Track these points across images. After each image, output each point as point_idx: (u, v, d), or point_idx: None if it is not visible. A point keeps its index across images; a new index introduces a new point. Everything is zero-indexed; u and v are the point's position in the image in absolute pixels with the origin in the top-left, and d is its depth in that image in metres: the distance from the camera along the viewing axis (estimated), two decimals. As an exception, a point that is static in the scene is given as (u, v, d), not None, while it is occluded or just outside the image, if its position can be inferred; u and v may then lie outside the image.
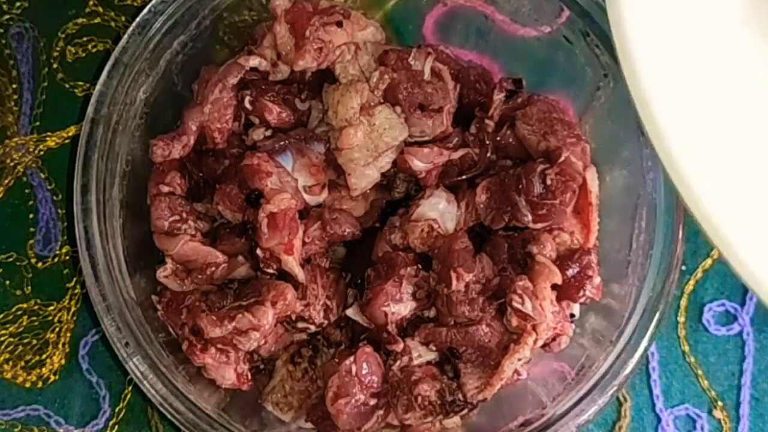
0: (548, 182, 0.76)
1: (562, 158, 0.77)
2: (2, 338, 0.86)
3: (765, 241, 0.62)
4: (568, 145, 0.78)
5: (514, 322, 0.75)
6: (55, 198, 0.88)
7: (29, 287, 0.87)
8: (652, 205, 0.75)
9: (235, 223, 0.79)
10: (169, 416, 0.73)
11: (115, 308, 0.74)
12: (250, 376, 0.79)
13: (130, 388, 0.86)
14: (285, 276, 0.78)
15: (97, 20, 0.90)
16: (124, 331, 0.74)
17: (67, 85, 0.89)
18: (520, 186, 0.77)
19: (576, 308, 0.79)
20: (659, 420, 0.86)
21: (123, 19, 0.89)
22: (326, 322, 0.80)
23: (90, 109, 0.75)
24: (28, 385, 0.86)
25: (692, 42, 0.67)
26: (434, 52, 0.82)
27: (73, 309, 0.87)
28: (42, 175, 0.88)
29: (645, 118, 0.63)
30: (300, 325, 0.79)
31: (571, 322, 0.79)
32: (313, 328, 0.80)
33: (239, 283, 0.80)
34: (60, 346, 0.86)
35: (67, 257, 0.88)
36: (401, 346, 0.78)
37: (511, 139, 0.80)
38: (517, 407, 0.77)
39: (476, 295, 0.77)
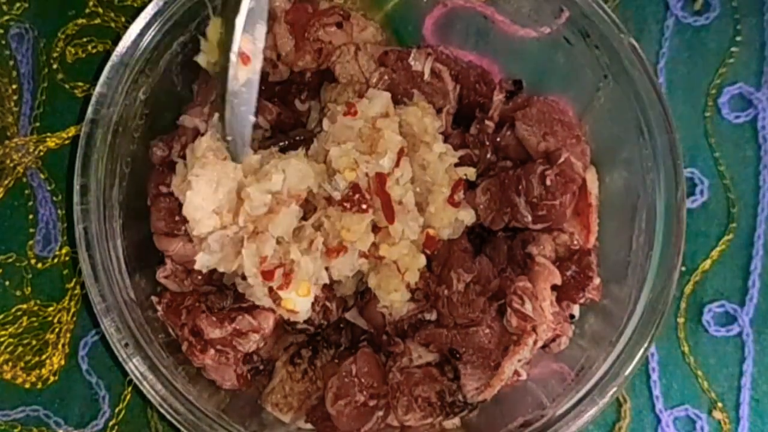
0: (548, 183, 0.76)
1: (562, 159, 0.77)
2: (2, 339, 0.86)
3: None
4: (567, 146, 0.78)
5: (514, 322, 0.75)
6: (55, 199, 0.88)
7: (29, 288, 0.87)
8: (651, 206, 0.75)
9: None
10: (168, 417, 0.73)
11: (114, 309, 0.74)
12: (249, 377, 0.79)
13: (129, 388, 0.86)
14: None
15: (97, 21, 0.90)
16: (123, 332, 0.74)
17: (67, 86, 0.89)
18: (520, 187, 0.77)
19: (576, 309, 0.79)
20: (659, 421, 0.86)
21: (123, 19, 0.89)
22: (325, 323, 0.80)
23: (90, 110, 0.75)
24: (27, 385, 0.86)
25: None
26: (434, 53, 0.82)
27: (72, 310, 0.87)
28: (42, 176, 0.88)
29: None
30: (299, 326, 0.79)
31: (571, 323, 0.79)
32: (312, 329, 0.80)
33: (239, 284, 0.80)
34: (60, 346, 0.86)
35: (67, 258, 0.88)
36: (401, 347, 0.78)
37: (511, 140, 0.80)
38: (516, 408, 0.77)
39: (476, 296, 0.77)
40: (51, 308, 0.87)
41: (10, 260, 0.87)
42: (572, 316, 0.79)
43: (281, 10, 0.81)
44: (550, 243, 0.78)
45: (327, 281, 0.76)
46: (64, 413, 0.86)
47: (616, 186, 0.79)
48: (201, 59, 0.75)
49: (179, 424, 0.73)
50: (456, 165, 0.79)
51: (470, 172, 0.79)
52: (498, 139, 0.81)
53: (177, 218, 0.78)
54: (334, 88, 0.81)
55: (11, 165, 0.88)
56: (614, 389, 0.73)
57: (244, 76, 0.72)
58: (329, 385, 0.78)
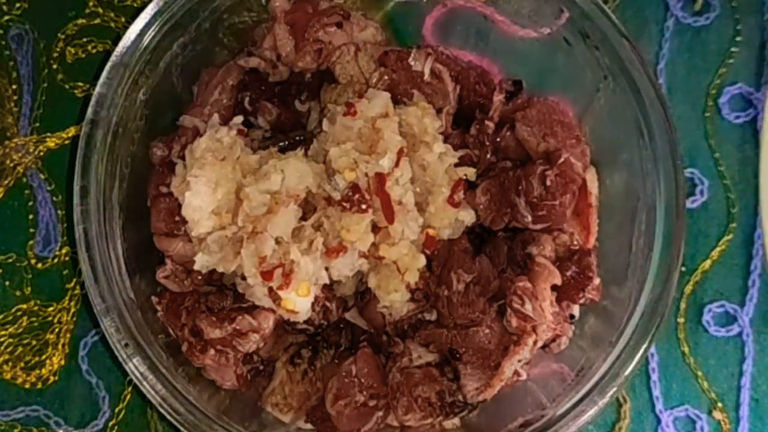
0: (548, 183, 0.76)
1: (562, 159, 0.77)
2: (2, 339, 0.86)
3: None
4: (567, 147, 0.78)
5: (514, 323, 0.75)
6: (55, 199, 0.88)
7: (29, 288, 0.87)
8: (651, 207, 0.75)
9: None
10: (168, 417, 0.73)
11: (114, 309, 0.74)
12: (249, 378, 0.79)
13: (129, 389, 0.86)
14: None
15: (97, 21, 0.90)
16: (123, 332, 0.74)
17: (66, 86, 0.89)
18: (520, 187, 0.77)
19: (576, 309, 0.79)
20: (659, 421, 0.86)
21: (123, 20, 0.89)
22: (325, 323, 0.80)
23: (90, 111, 0.75)
24: (27, 386, 0.86)
25: None
26: (434, 53, 0.82)
27: (72, 310, 0.87)
28: (42, 176, 0.88)
29: None
30: (299, 326, 0.79)
31: (571, 323, 0.79)
32: (312, 329, 0.80)
33: (239, 284, 0.80)
34: (60, 347, 0.86)
35: (67, 258, 0.88)
36: (401, 347, 0.78)
37: (510, 141, 0.80)
38: (516, 408, 0.77)
39: (476, 296, 0.77)
40: (51, 308, 0.87)
41: (10, 260, 0.87)
42: (572, 317, 0.79)
43: (281, 10, 0.81)
44: (550, 243, 0.78)
45: (327, 281, 0.76)
46: (64, 413, 0.86)
47: (616, 187, 0.79)
48: None
49: (179, 424, 0.73)
50: (456, 165, 0.79)
51: (470, 173, 0.79)
52: (498, 140, 0.81)
53: (177, 218, 0.78)
54: (334, 88, 0.81)
55: (11, 165, 0.88)
56: (614, 390, 0.73)
57: None
58: (329, 386, 0.78)
